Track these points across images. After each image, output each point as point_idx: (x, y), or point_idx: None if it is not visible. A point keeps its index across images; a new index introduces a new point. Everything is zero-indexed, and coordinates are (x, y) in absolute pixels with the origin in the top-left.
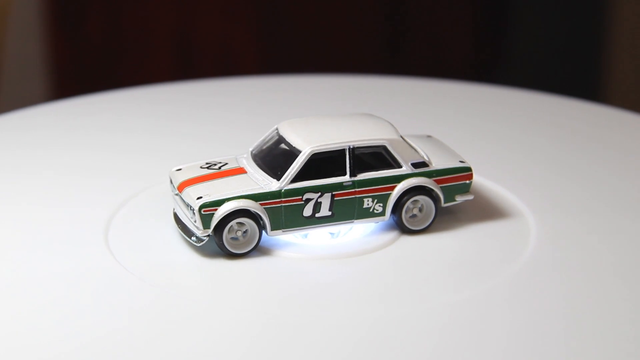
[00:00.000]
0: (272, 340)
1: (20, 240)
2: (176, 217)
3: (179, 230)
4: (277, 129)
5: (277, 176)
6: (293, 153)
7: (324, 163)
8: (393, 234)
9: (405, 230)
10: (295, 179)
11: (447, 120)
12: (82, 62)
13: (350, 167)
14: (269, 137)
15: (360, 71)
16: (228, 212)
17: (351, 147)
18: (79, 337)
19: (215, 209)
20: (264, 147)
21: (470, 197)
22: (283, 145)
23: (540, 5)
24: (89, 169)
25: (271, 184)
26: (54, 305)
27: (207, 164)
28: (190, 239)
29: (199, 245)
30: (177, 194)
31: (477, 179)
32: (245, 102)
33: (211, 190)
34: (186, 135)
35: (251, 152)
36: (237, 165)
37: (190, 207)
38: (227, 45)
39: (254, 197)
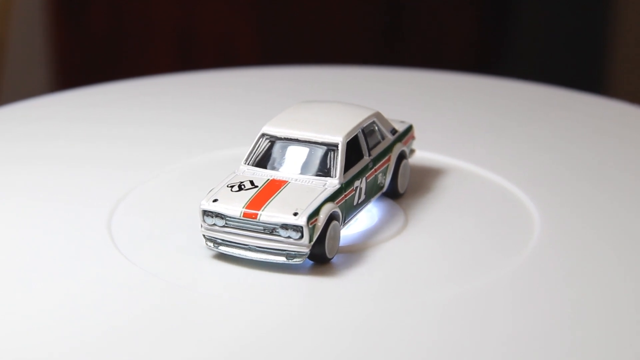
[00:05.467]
0: (272, 333)
1: (23, 233)
2: (226, 246)
3: (256, 258)
4: (267, 134)
5: (325, 174)
6: (323, 148)
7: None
8: (396, 227)
9: (396, 196)
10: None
11: (449, 113)
12: (83, 54)
13: (366, 148)
14: (262, 144)
15: (361, 62)
16: (327, 217)
17: (362, 128)
18: (84, 332)
19: (316, 220)
20: (264, 155)
21: (415, 151)
22: (296, 145)
23: None
24: (91, 160)
25: (329, 182)
26: (58, 298)
27: (231, 186)
28: (291, 260)
29: (301, 263)
30: (234, 223)
31: (481, 172)
32: (245, 93)
33: (294, 204)
34: (187, 126)
35: (254, 164)
36: (266, 179)
37: (288, 225)
38: (228, 37)
39: (331, 199)
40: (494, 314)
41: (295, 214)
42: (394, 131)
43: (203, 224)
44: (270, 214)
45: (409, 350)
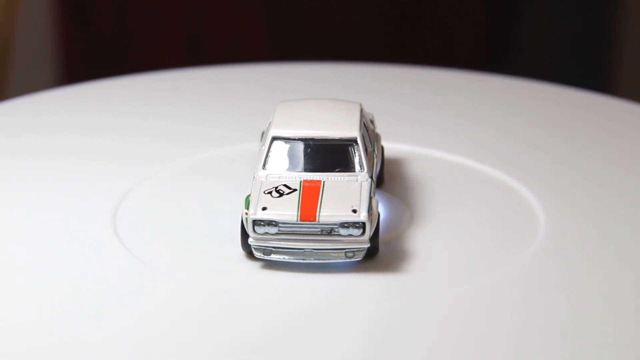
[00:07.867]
0: (273, 333)
1: (26, 227)
2: (279, 254)
3: (315, 261)
4: (279, 137)
5: (351, 170)
6: (342, 145)
7: None
8: (401, 225)
9: (380, 184)
10: None
11: (455, 111)
12: (91, 52)
13: (368, 140)
14: (276, 147)
15: (370, 59)
16: (378, 211)
17: (363, 121)
18: (88, 329)
19: (372, 214)
20: (283, 157)
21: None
22: (313, 144)
23: None
24: (95, 154)
25: (361, 177)
26: (61, 294)
27: (268, 192)
28: (351, 258)
29: (360, 259)
30: (289, 228)
31: (486, 169)
32: (254, 89)
33: (347, 202)
34: (193, 121)
35: (275, 169)
36: (298, 181)
37: (349, 223)
38: (236, 33)
39: (370, 193)
40: (495, 314)
41: (355, 211)
42: (371, 120)
43: (252, 234)
44: (328, 213)
45: (411, 349)
